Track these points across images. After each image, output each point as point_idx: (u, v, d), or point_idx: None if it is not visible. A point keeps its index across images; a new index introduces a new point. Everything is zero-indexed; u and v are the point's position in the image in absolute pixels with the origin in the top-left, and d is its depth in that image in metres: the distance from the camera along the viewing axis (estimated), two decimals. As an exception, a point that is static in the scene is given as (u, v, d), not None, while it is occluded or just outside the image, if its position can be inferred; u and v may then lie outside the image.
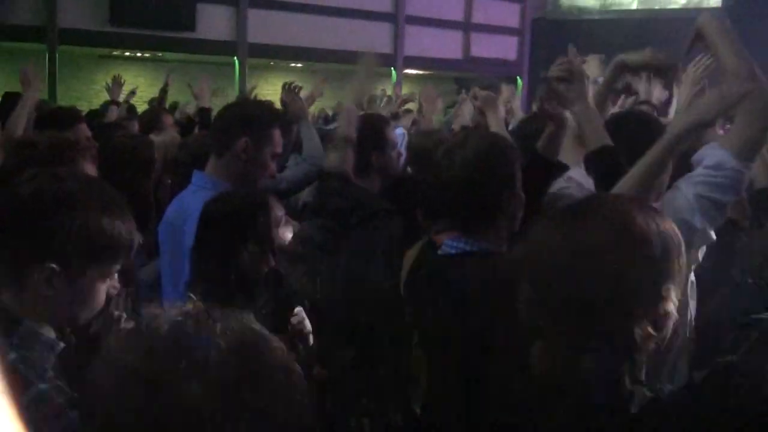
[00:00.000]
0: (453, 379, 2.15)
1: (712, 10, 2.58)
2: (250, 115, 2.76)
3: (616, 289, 1.37)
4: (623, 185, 2.11)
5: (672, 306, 1.40)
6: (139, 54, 14.90)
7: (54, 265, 1.58)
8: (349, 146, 2.56)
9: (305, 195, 3.44)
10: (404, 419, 2.50)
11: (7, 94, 6.11)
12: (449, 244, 2.23)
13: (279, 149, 2.81)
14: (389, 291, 2.46)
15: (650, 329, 1.38)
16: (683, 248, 1.44)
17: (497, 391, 1.88)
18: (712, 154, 2.14)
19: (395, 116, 6.85)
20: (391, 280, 2.48)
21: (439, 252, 2.24)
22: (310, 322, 2.32)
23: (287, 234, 2.32)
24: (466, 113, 6.52)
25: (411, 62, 16.25)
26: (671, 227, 1.44)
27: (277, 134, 2.77)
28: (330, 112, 10.98)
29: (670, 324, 1.41)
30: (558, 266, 1.42)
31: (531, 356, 1.48)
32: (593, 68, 2.80)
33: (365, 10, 15.29)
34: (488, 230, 2.21)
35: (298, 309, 2.28)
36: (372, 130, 3.11)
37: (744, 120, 2.12)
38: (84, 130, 3.78)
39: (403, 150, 5.15)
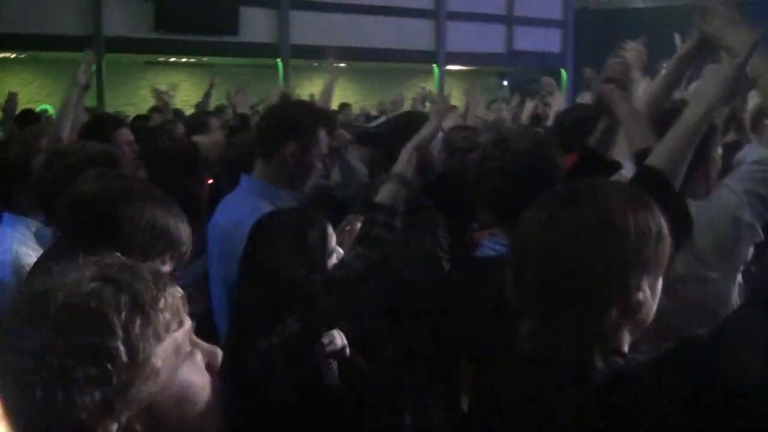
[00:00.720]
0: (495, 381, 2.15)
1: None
2: (296, 119, 2.75)
3: (585, 276, 1.41)
4: (652, 159, 2.08)
5: (643, 295, 1.42)
6: (183, 59, 15.10)
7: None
8: (403, 186, 2.56)
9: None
10: (449, 416, 2.51)
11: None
12: (488, 245, 2.23)
13: (325, 149, 2.81)
14: (429, 286, 2.45)
15: (619, 317, 1.41)
16: (665, 241, 1.46)
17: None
18: (754, 152, 2.13)
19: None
20: (432, 275, 2.47)
21: (479, 253, 2.22)
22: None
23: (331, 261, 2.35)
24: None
25: (453, 58, 16.20)
26: (654, 219, 1.45)
27: (322, 135, 2.76)
28: (374, 112, 10.99)
29: (645, 312, 1.43)
30: (538, 248, 1.46)
31: (519, 337, 1.52)
32: (633, 59, 2.73)
33: (406, 7, 15.28)
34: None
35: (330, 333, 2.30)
36: (413, 129, 3.10)
37: None
38: (126, 134, 3.86)
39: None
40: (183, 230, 1.78)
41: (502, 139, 2.25)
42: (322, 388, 2.19)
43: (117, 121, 4.12)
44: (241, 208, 2.58)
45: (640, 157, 2.30)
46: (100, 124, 3.87)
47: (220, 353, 1.17)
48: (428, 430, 2.59)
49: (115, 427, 1.00)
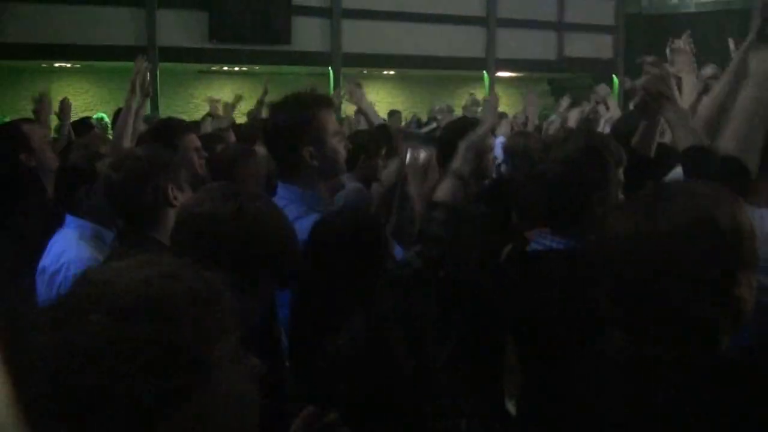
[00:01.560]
0: (543, 373, 2.19)
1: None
2: (296, 122, 2.71)
3: (688, 277, 1.41)
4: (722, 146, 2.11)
5: (743, 290, 1.43)
6: (236, 68, 15.29)
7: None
8: (459, 182, 2.58)
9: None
10: (500, 418, 2.52)
11: (120, 109, 6.39)
12: (538, 240, 2.29)
13: (337, 127, 2.81)
14: (483, 289, 2.49)
15: (722, 314, 1.43)
16: (755, 237, 1.47)
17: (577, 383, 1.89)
18: None
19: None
20: (486, 276, 2.51)
21: (529, 248, 2.29)
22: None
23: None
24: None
25: (503, 65, 16.15)
26: (745, 216, 1.47)
27: (326, 118, 2.73)
28: (424, 118, 11.02)
29: (745, 306, 1.45)
30: (630, 254, 1.47)
31: (608, 346, 1.54)
32: (682, 62, 2.72)
33: (456, 15, 15.29)
34: (576, 229, 2.22)
35: None
36: (468, 132, 3.15)
37: None
38: (194, 140, 3.92)
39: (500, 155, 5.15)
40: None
41: (549, 145, 2.30)
42: (390, 388, 2.21)
43: (185, 126, 4.17)
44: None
45: (687, 155, 2.31)
46: (169, 129, 3.93)
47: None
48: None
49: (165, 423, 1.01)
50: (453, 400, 2.59)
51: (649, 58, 2.66)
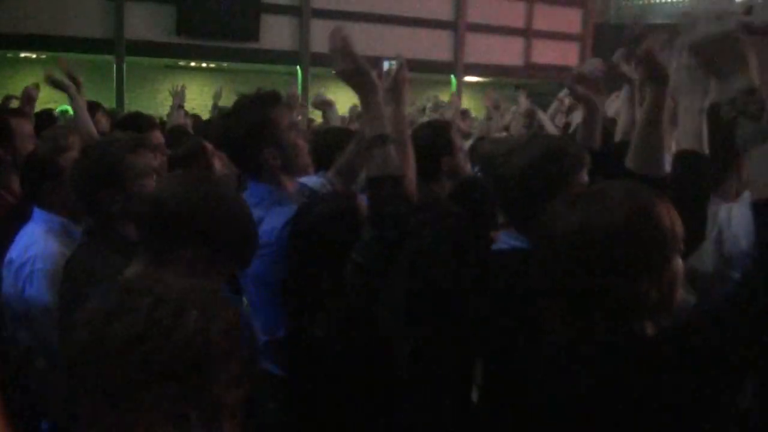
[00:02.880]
0: (501, 363, 2.24)
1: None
2: (251, 126, 2.70)
3: (623, 260, 1.59)
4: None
5: (673, 271, 1.62)
6: (204, 64, 15.20)
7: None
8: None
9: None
10: (461, 411, 2.56)
11: (88, 103, 6.32)
12: (503, 240, 2.33)
13: (293, 119, 2.82)
14: (451, 290, 2.51)
15: (653, 292, 1.59)
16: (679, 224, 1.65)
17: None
18: None
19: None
20: (456, 279, 2.53)
21: (493, 247, 2.32)
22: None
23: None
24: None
25: (471, 69, 16.25)
26: (673, 212, 1.65)
27: (279, 116, 2.73)
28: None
29: (675, 285, 1.63)
30: (571, 239, 1.64)
31: (548, 327, 1.70)
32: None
33: (426, 18, 15.36)
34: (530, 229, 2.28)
35: None
36: (440, 135, 3.18)
37: None
38: (158, 137, 3.92)
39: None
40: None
41: (511, 147, 2.35)
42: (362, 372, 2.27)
43: (152, 122, 4.16)
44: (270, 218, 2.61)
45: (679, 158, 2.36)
46: (136, 123, 3.92)
47: None
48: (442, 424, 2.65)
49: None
50: (414, 393, 2.62)
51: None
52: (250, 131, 2.68)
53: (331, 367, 2.29)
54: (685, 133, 2.19)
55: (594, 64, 2.74)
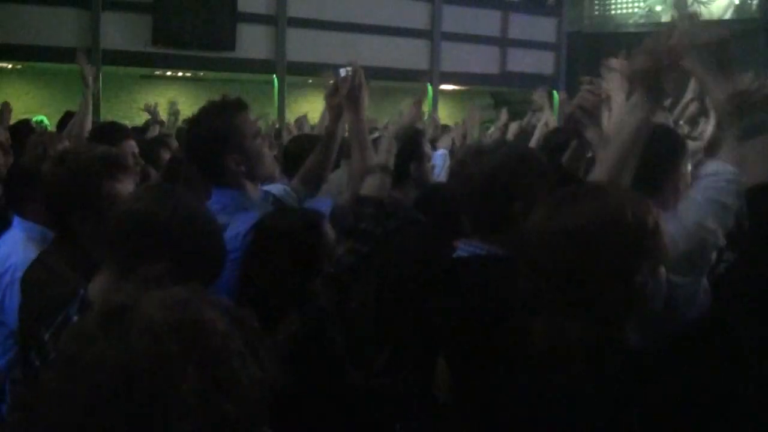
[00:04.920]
0: (470, 371, 2.28)
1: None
2: (215, 133, 2.70)
3: (592, 266, 1.63)
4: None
5: (644, 279, 1.65)
6: (180, 74, 15.18)
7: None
8: (386, 175, 2.65)
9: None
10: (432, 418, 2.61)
11: (69, 113, 6.32)
12: (463, 247, 2.37)
13: (256, 127, 2.81)
14: (419, 296, 2.55)
15: (623, 300, 1.64)
16: (662, 232, 1.70)
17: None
18: (711, 164, 2.29)
19: (434, 140, 6.85)
20: (420, 286, 2.57)
21: (455, 254, 2.37)
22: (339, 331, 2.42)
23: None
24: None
25: (447, 78, 16.32)
26: (651, 212, 1.69)
27: (242, 123, 2.73)
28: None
29: (646, 295, 1.67)
30: (547, 244, 1.68)
31: (531, 334, 1.72)
32: (614, 81, 2.84)
33: (402, 27, 15.42)
34: (499, 236, 2.32)
35: None
36: (410, 142, 3.23)
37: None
38: (132, 146, 3.92)
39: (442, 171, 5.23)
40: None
41: (477, 153, 2.41)
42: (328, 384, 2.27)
43: (124, 131, 4.17)
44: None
45: None
46: (108, 133, 3.93)
47: None
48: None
49: None
50: (386, 404, 2.65)
51: (587, 79, 2.78)
52: (215, 137, 2.69)
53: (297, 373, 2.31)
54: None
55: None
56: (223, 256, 2.02)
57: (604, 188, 1.82)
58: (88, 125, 4.01)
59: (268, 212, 2.52)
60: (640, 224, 1.66)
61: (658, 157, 2.45)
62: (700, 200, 2.27)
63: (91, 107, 4.07)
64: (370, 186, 2.59)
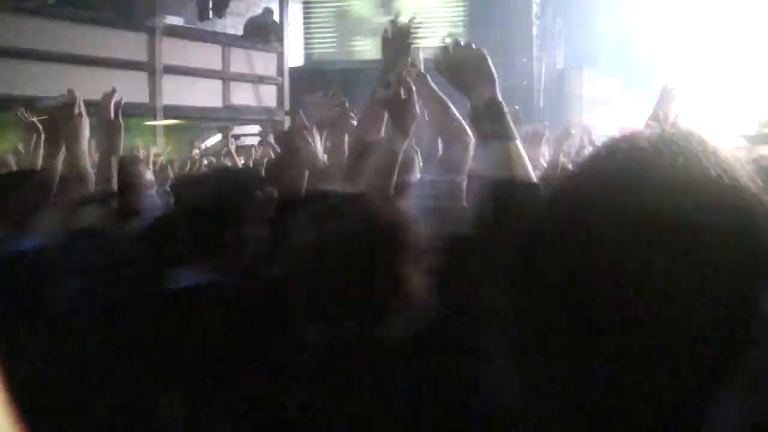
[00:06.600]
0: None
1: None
2: None
3: (365, 267, 1.76)
4: None
5: (409, 276, 1.79)
6: None
7: None
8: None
9: None
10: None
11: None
12: (184, 278, 2.41)
13: None
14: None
15: (390, 300, 1.78)
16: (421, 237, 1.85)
17: None
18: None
19: None
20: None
21: (174, 285, 2.41)
22: None
23: None
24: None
25: (170, 112, 16.02)
26: (407, 219, 1.89)
27: None
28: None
29: (411, 289, 1.79)
30: (309, 250, 1.81)
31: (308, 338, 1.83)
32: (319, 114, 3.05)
33: (119, 59, 14.90)
34: (214, 263, 2.41)
35: None
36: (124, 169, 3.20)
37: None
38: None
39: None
40: None
41: (197, 180, 2.52)
42: None
43: None
44: None
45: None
46: None
47: None
48: None
49: None
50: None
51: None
52: None
53: None
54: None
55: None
56: None
57: (356, 199, 1.96)
58: None
59: None
60: (395, 226, 1.82)
61: None
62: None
63: None
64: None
